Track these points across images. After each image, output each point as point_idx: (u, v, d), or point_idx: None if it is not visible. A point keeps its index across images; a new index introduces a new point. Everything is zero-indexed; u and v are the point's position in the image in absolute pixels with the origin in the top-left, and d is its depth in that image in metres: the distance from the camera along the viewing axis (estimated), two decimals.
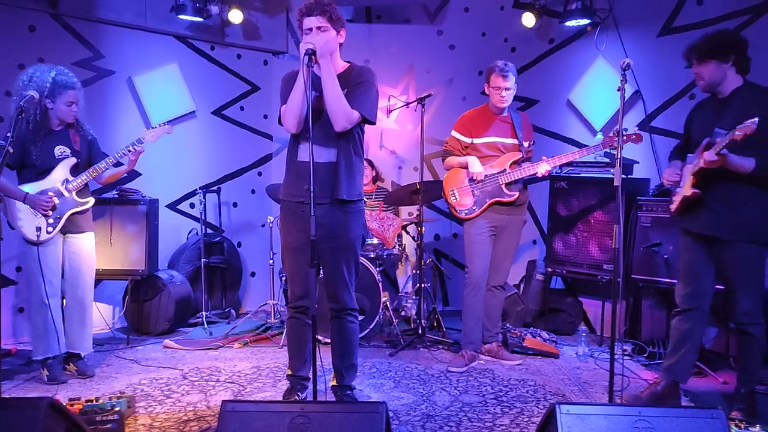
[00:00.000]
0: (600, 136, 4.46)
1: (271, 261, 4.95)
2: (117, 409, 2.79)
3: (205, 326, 4.77)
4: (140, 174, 4.93)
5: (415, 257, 4.83)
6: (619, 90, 2.87)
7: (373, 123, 3.00)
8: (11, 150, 2.96)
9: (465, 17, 5.80)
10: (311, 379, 2.77)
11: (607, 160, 4.45)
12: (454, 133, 4.07)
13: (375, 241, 4.66)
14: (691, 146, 3.14)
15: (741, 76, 3.02)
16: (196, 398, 3.34)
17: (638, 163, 4.52)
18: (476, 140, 3.99)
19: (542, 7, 5.22)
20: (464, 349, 4.03)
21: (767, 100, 2.86)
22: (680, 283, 3.23)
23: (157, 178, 5.04)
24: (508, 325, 4.45)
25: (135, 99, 5.04)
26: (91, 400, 2.87)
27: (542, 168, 3.87)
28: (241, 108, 5.66)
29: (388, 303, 4.53)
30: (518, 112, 4.13)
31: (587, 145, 4.28)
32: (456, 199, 4.03)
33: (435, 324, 4.79)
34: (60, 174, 3.59)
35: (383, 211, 4.94)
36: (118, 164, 3.75)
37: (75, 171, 3.63)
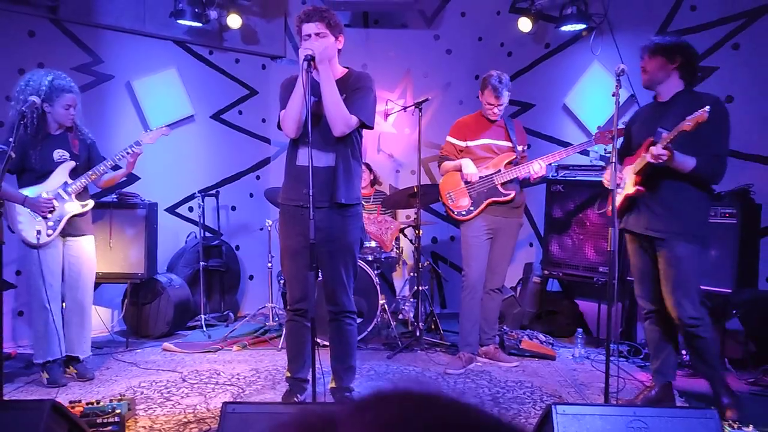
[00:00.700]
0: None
1: (269, 264, 4.97)
2: (118, 411, 2.82)
3: (204, 329, 4.79)
4: (139, 178, 4.96)
5: (413, 260, 4.86)
6: (614, 95, 2.92)
7: (371, 128, 3.04)
8: (13, 155, 2.99)
9: (462, 22, 5.85)
10: (310, 381, 2.80)
11: (603, 164, 4.49)
12: (449, 138, 4.12)
13: (373, 244, 4.69)
14: (632, 149, 3.21)
15: (683, 81, 3.11)
16: (196, 400, 3.36)
17: None
18: (470, 143, 4.03)
19: (538, 12, 5.27)
20: (461, 351, 4.06)
21: (707, 103, 2.89)
22: (637, 287, 3.34)
23: (156, 182, 5.07)
24: (505, 328, 4.48)
25: (134, 103, 5.07)
26: (92, 403, 2.89)
27: (536, 165, 3.90)
28: (240, 112, 5.69)
29: (385, 306, 4.55)
30: (511, 119, 4.19)
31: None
32: (453, 201, 4.07)
33: (432, 326, 4.82)
34: (59, 177, 3.61)
35: (381, 214, 4.97)
36: (116, 167, 3.77)
37: (74, 174, 3.65)
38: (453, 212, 4.07)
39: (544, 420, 2.28)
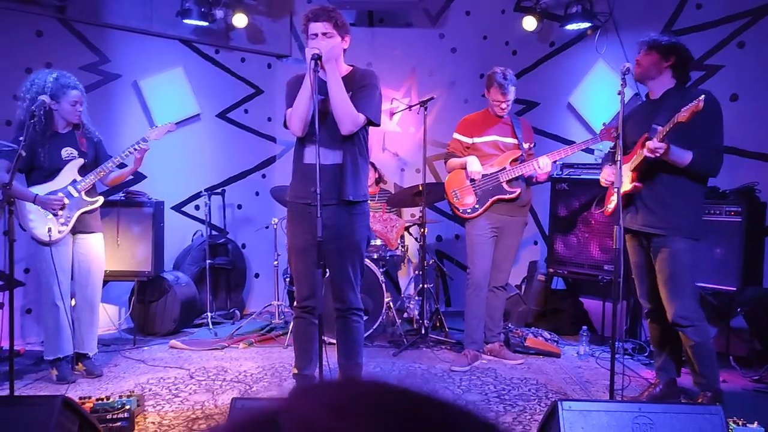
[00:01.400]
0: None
1: (275, 262, 5.00)
2: (127, 407, 2.85)
3: (210, 327, 4.82)
4: (146, 176, 4.99)
5: (418, 258, 4.88)
6: (619, 94, 2.93)
7: (377, 125, 3.06)
8: (23, 154, 3.02)
9: (466, 21, 5.86)
10: (317, 379, 2.82)
11: (608, 162, 4.49)
12: (456, 135, 4.13)
13: (378, 242, 4.71)
14: (626, 147, 3.22)
15: (675, 80, 3.15)
16: (204, 397, 3.39)
17: None
18: (477, 140, 4.05)
19: (543, 11, 5.27)
20: (467, 348, 4.08)
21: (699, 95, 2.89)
22: (637, 286, 3.35)
23: (162, 181, 5.10)
24: (509, 325, 4.50)
25: (141, 102, 5.10)
26: (102, 399, 2.93)
27: (542, 161, 3.91)
28: (246, 111, 5.71)
29: (391, 303, 4.58)
30: (518, 117, 4.20)
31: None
32: (458, 198, 4.08)
33: (438, 324, 4.84)
34: (68, 175, 3.64)
35: (386, 212, 4.99)
36: (122, 165, 3.80)
37: (83, 172, 3.68)
38: (458, 210, 4.09)
39: (550, 416, 2.30)
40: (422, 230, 4.63)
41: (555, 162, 4.02)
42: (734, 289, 3.81)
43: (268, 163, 5.88)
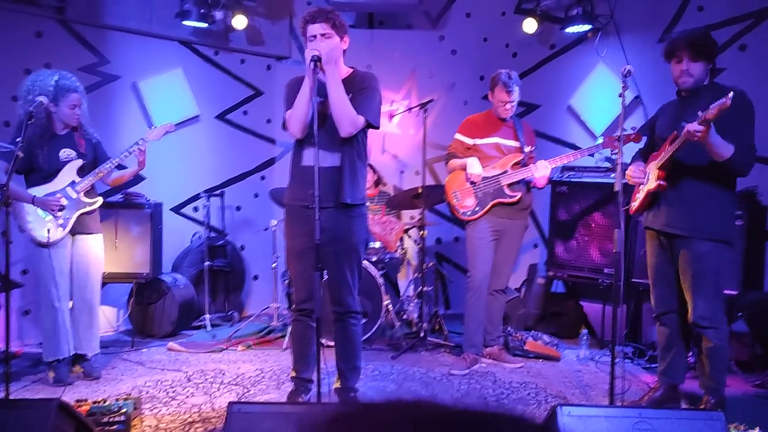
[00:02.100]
0: (601, 140, 4.50)
1: (274, 264, 4.98)
2: (124, 410, 2.83)
3: (209, 329, 4.80)
4: (144, 178, 4.96)
5: (417, 261, 4.86)
6: (620, 96, 2.91)
7: (377, 128, 3.05)
8: (21, 155, 3.00)
9: (466, 23, 5.84)
10: (315, 381, 2.80)
11: (609, 165, 4.49)
12: (458, 136, 4.11)
13: (377, 244, 4.69)
14: (655, 143, 3.18)
15: (709, 77, 3.12)
16: (201, 400, 3.37)
17: None
18: (478, 141, 4.03)
19: (543, 13, 5.26)
20: (466, 352, 4.06)
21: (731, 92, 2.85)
22: (651, 288, 3.30)
23: (161, 182, 5.07)
24: (509, 329, 4.48)
25: (140, 104, 5.09)
26: (98, 402, 2.91)
27: (541, 165, 3.89)
28: (245, 112, 5.70)
29: (390, 306, 4.56)
30: (519, 120, 4.19)
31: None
32: (458, 200, 4.06)
33: (437, 327, 4.81)
34: (67, 176, 3.62)
35: (385, 215, 4.97)
36: (121, 167, 3.78)
37: (81, 173, 3.67)
38: (458, 212, 4.07)
39: (549, 421, 2.28)
40: (422, 233, 4.61)
41: (555, 167, 4.01)
42: (735, 293, 3.79)
43: (268, 164, 5.86)
